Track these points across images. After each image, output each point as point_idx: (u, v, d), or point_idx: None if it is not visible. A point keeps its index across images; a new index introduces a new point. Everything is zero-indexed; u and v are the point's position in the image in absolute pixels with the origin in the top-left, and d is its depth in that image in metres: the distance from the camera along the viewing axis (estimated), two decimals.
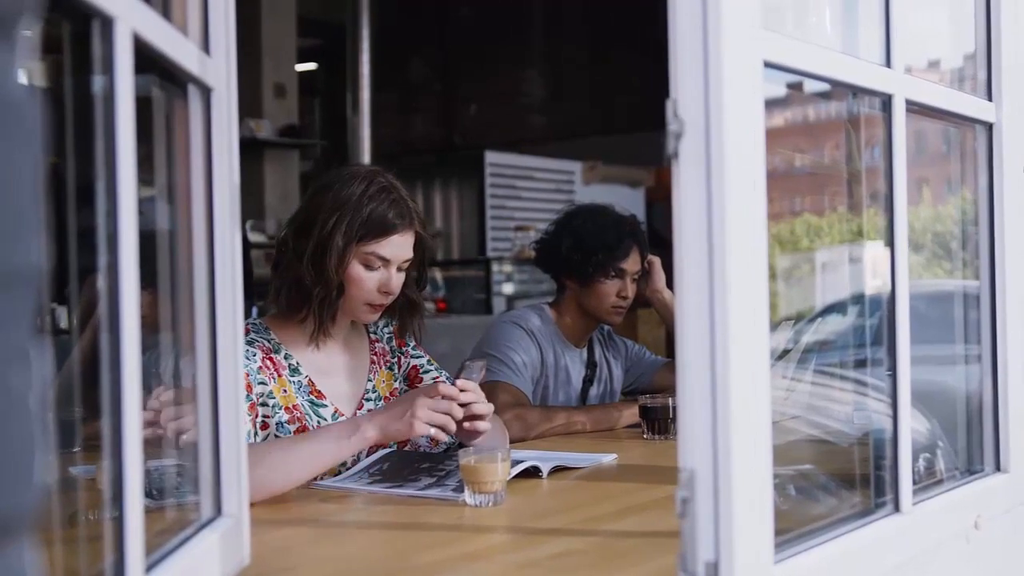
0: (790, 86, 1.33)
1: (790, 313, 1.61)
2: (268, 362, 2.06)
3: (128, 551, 0.93)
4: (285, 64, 7.47)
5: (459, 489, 1.78)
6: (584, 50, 9.53)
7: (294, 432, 2.02)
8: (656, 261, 2.96)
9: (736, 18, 1.08)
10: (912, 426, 1.43)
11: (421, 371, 2.28)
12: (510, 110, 9.74)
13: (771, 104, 1.16)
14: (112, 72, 0.93)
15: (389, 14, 8.08)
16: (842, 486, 1.55)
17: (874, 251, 1.50)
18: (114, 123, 0.93)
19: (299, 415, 2.06)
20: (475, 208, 8.52)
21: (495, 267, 7.65)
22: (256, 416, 1.99)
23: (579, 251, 2.83)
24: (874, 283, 1.55)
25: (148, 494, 1.01)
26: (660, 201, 7.85)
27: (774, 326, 1.15)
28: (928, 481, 1.57)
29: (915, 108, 1.47)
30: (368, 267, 2.07)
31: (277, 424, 2.03)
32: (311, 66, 9.24)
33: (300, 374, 2.10)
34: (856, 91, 1.46)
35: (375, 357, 2.25)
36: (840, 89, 1.45)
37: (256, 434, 1.98)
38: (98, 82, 0.94)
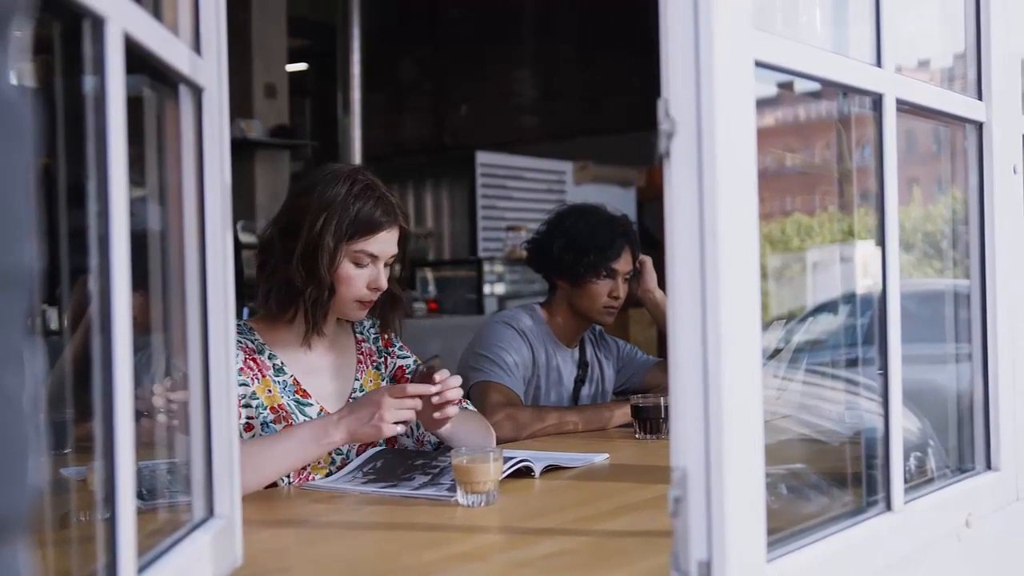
0: (781, 85, 1.33)
1: (781, 313, 1.61)
2: (251, 363, 2.07)
3: (120, 552, 0.92)
4: (275, 64, 7.46)
5: (453, 488, 1.78)
6: (575, 50, 9.54)
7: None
8: (647, 261, 2.96)
9: (728, 18, 1.08)
10: (903, 425, 1.43)
11: (407, 371, 2.29)
12: (501, 110, 9.74)
13: (762, 104, 1.16)
14: (103, 72, 0.92)
15: (380, 14, 8.07)
16: (834, 485, 1.55)
17: (865, 250, 1.51)
18: (105, 123, 0.93)
19: (284, 415, 2.07)
20: (466, 208, 8.53)
21: (486, 267, 7.65)
22: (240, 418, 2.00)
23: (571, 251, 2.84)
24: (864, 282, 1.55)
25: (138, 494, 1.01)
26: (651, 201, 7.86)
27: (765, 326, 1.15)
28: (919, 480, 1.57)
29: (905, 107, 1.48)
30: (358, 265, 2.09)
31: (262, 424, 2.04)
32: (302, 66, 9.23)
33: (285, 374, 2.11)
34: (847, 90, 1.46)
35: (362, 356, 2.26)
36: (831, 89, 1.46)
37: (241, 436, 1.98)
38: (89, 82, 0.93)
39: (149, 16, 1.05)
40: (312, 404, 2.12)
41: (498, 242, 8.23)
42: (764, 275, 1.15)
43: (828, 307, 1.76)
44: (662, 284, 2.88)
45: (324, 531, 1.68)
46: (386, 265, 2.13)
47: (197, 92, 1.25)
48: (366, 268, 2.10)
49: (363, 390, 2.21)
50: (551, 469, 2.06)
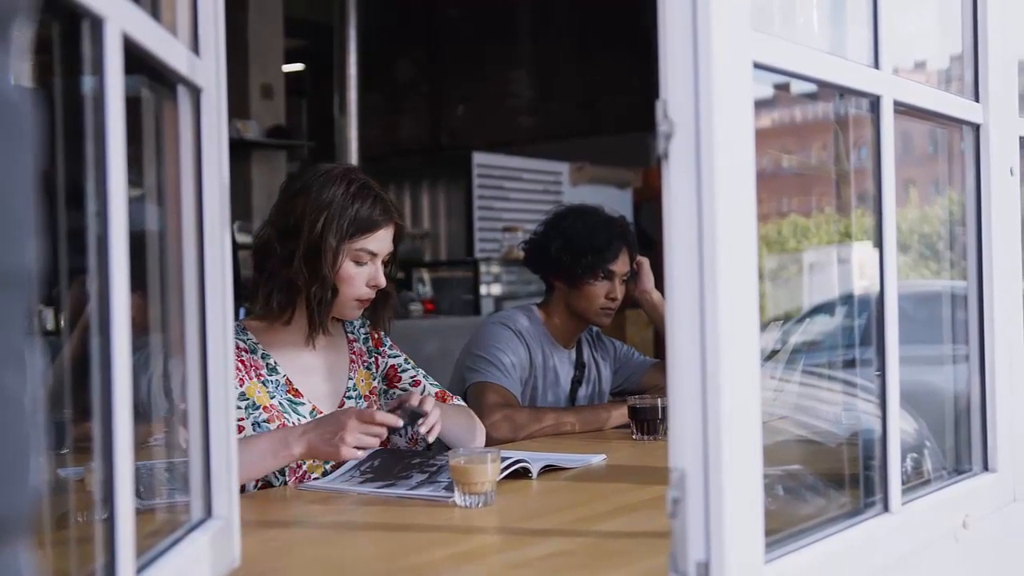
0: (778, 87, 1.33)
1: (778, 314, 1.61)
2: (240, 364, 2.07)
3: (119, 553, 0.92)
4: (272, 65, 7.45)
5: (451, 488, 1.78)
6: (572, 51, 9.54)
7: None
8: (645, 262, 2.96)
9: (726, 19, 1.08)
10: (900, 426, 1.44)
11: (399, 370, 2.31)
12: (498, 111, 9.74)
13: (759, 105, 1.16)
14: (102, 73, 0.92)
15: (376, 15, 8.07)
16: (831, 486, 1.55)
17: (862, 252, 1.51)
18: (104, 124, 0.93)
19: (276, 413, 2.07)
20: (463, 209, 8.52)
21: (483, 268, 7.65)
22: None
23: (568, 252, 2.84)
24: (861, 283, 1.55)
25: (136, 493, 1.00)
26: (648, 202, 7.86)
27: (762, 327, 1.15)
28: (917, 481, 1.57)
29: (903, 109, 1.48)
30: (358, 263, 2.12)
31: (255, 424, 2.04)
32: (298, 67, 9.22)
33: (278, 373, 2.12)
34: (844, 92, 1.46)
35: (354, 356, 2.27)
36: (828, 90, 1.46)
37: None
38: (88, 83, 0.93)
39: (148, 17, 1.05)
40: (305, 403, 2.13)
41: (495, 243, 8.23)
42: (761, 276, 1.15)
43: (825, 308, 1.76)
44: (659, 285, 2.89)
45: (322, 532, 1.68)
46: (383, 263, 2.15)
47: (195, 92, 1.25)
48: (365, 266, 2.12)
49: (356, 389, 2.23)
50: (548, 470, 2.06)
